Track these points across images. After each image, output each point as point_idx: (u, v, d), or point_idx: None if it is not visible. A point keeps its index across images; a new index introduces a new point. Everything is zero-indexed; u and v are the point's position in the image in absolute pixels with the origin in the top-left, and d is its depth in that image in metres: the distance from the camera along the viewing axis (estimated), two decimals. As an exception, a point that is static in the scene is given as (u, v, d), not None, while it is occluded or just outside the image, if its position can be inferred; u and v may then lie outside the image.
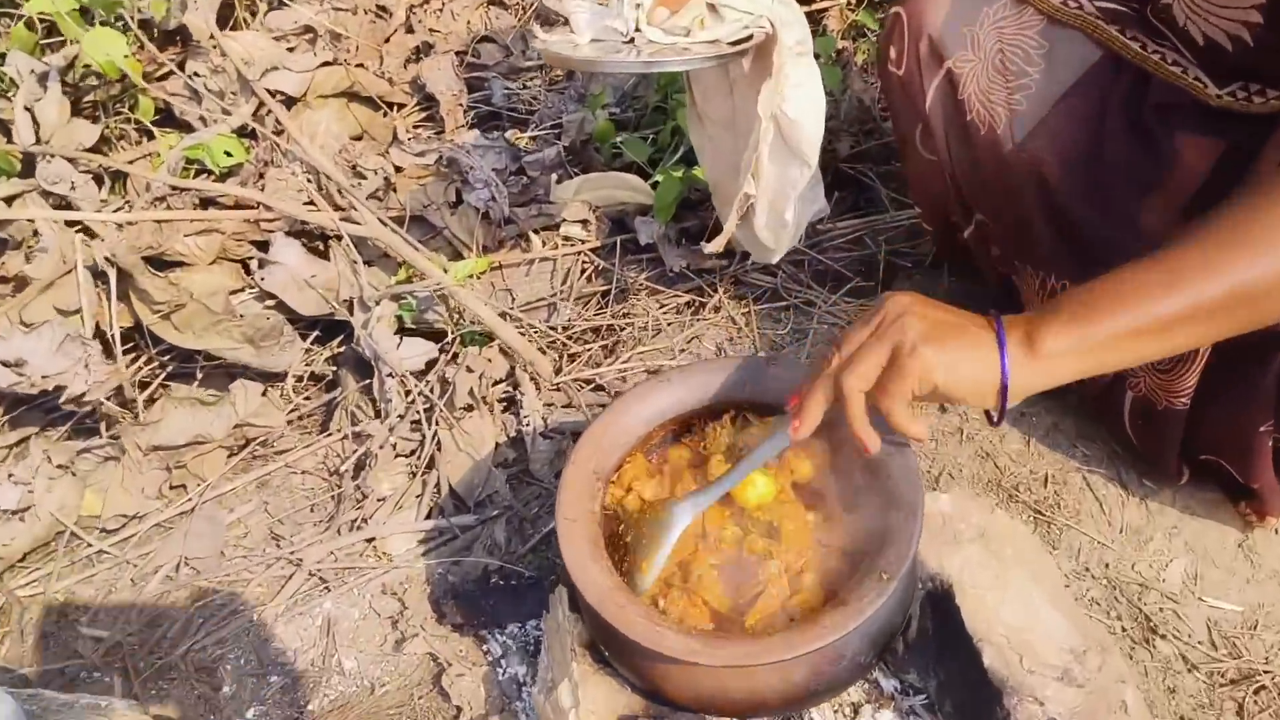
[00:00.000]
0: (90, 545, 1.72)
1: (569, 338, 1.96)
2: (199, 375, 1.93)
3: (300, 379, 1.99)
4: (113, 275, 1.79)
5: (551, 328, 1.96)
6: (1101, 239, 1.38)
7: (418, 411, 1.77)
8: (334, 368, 1.98)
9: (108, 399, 1.80)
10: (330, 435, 1.85)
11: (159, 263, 1.91)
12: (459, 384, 1.73)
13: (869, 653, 1.13)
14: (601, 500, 1.23)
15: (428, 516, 1.69)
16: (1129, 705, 1.17)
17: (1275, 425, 1.30)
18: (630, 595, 1.12)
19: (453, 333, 1.87)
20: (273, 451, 1.85)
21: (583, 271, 2.08)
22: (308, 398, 1.98)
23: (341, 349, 2.01)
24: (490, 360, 1.80)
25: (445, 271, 1.86)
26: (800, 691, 1.11)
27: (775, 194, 1.48)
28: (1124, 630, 1.43)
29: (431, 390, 1.79)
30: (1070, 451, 1.61)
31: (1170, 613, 1.45)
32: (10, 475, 1.76)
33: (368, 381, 1.87)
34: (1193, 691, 1.36)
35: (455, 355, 1.87)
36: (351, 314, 1.90)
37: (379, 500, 1.71)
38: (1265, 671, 1.37)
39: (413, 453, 1.77)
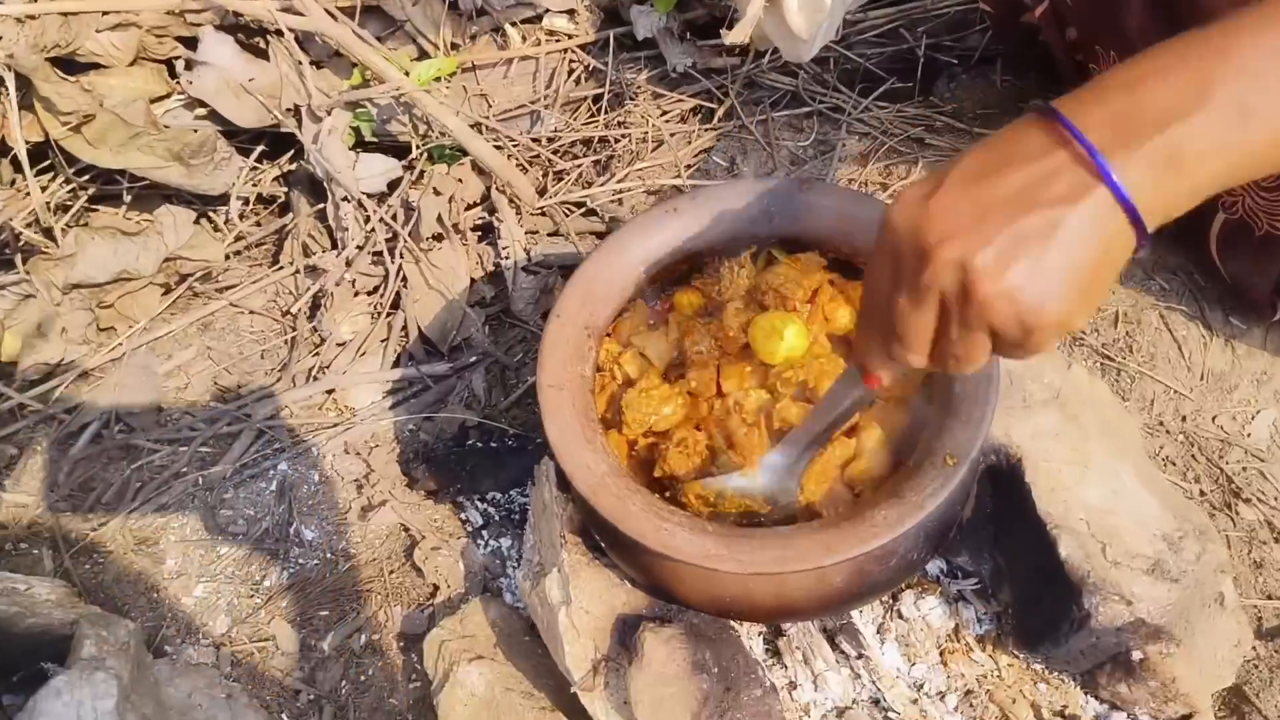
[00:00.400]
0: (9, 398, 1.50)
1: (555, 152, 1.67)
2: (126, 199, 1.66)
3: (247, 202, 1.71)
4: (10, 80, 1.50)
5: (534, 140, 1.67)
6: (1201, 7, 1.09)
7: (379, 242, 1.51)
8: (284, 189, 1.71)
9: (27, 227, 1.56)
10: (281, 269, 1.60)
11: (69, 65, 1.60)
12: (425, 209, 1.47)
13: (924, 549, 0.93)
14: (594, 361, 1.00)
15: (395, 364, 1.46)
16: (1226, 598, 0.98)
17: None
18: (631, 482, 0.90)
19: (419, 148, 1.59)
20: (215, 289, 1.60)
21: (570, 73, 1.76)
22: (257, 224, 1.71)
23: (293, 166, 1.72)
24: (462, 181, 1.53)
25: (407, 74, 1.56)
26: (838, 596, 0.92)
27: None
28: (1202, 494, 1.24)
29: (394, 217, 1.53)
30: (1146, 284, 1.37)
31: (1255, 473, 1.25)
32: (-89, 314, 1.53)
33: (322, 206, 1.60)
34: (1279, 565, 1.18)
35: (421, 175, 1.59)
36: (300, 125, 1.61)
37: (338, 345, 1.48)
38: (1364, 543, 1.18)
39: (375, 290, 1.52)
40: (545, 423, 0.92)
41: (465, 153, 1.58)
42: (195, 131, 1.55)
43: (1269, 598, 1.16)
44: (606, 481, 0.89)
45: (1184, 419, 1.29)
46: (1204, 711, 1.00)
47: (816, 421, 0.87)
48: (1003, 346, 0.59)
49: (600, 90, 1.74)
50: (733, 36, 1.37)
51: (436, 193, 1.49)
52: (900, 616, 1.09)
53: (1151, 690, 0.98)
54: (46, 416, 1.47)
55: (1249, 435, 1.27)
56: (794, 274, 1.01)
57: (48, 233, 1.57)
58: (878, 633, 1.08)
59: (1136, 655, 0.95)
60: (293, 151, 1.72)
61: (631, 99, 1.73)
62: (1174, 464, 1.26)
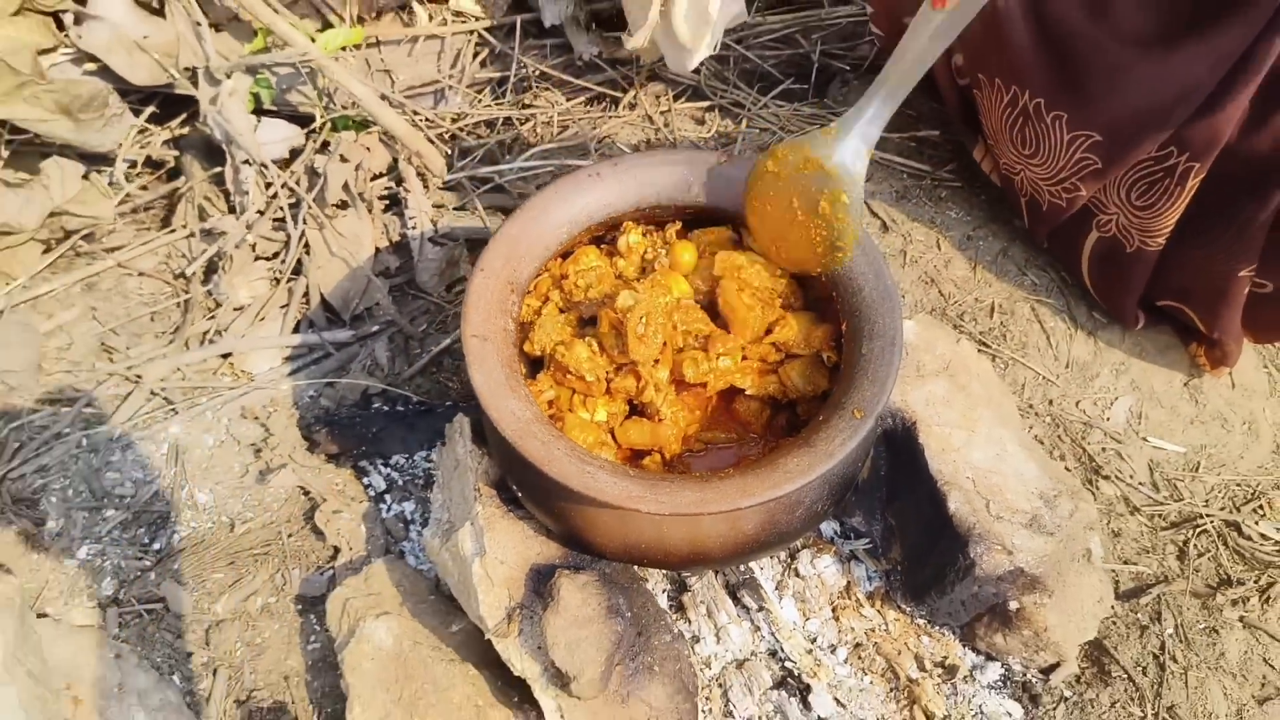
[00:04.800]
0: None
1: (460, 130, 1.69)
2: (4, 154, 1.58)
3: (134, 165, 1.66)
4: (-117, 20, 1.42)
5: (438, 118, 1.68)
6: (1087, 45, 1.20)
7: (281, 207, 1.49)
8: (175, 152, 1.66)
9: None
10: (174, 231, 1.55)
11: (-55, 10, 1.52)
12: (331, 175, 1.46)
13: (827, 501, 0.98)
14: (517, 315, 1.02)
15: (295, 330, 1.44)
16: (1093, 553, 1.08)
17: (1257, 269, 1.18)
18: (554, 430, 0.93)
19: (322, 117, 1.58)
20: (102, 248, 1.55)
21: (476, 55, 1.78)
22: (144, 187, 1.66)
23: (184, 130, 1.68)
24: (369, 150, 1.52)
25: (313, 41, 1.55)
26: (748, 543, 0.96)
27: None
28: (1068, 471, 1.34)
29: (298, 182, 1.51)
30: (1019, 280, 1.48)
31: (1113, 453, 1.36)
32: None
33: (218, 170, 1.57)
34: (1135, 535, 1.29)
35: (325, 144, 1.58)
36: (196, 87, 1.58)
37: (235, 310, 1.45)
38: (1205, 515, 1.30)
39: (275, 255, 1.50)
40: (471, 371, 0.94)
41: (369, 124, 1.57)
42: (86, 85, 1.49)
43: (1125, 563, 1.26)
44: (532, 428, 0.91)
45: (1050, 403, 1.39)
46: (1070, 661, 1.10)
47: (893, 67, 0.94)
48: None
49: (505, 74, 1.76)
50: (633, 42, 1.44)
51: (343, 159, 1.48)
52: (797, 575, 1.15)
53: (1025, 639, 1.06)
54: (-87, 373, 1.39)
55: (1108, 419, 1.39)
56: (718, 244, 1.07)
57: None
58: (776, 589, 1.13)
59: (1013, 605, 1.03)
60: (185, 115, 1.68)
61: (537, 84, 1.76)
62: (1042, 443, 1.36)
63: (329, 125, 1.59)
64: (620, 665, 0.95)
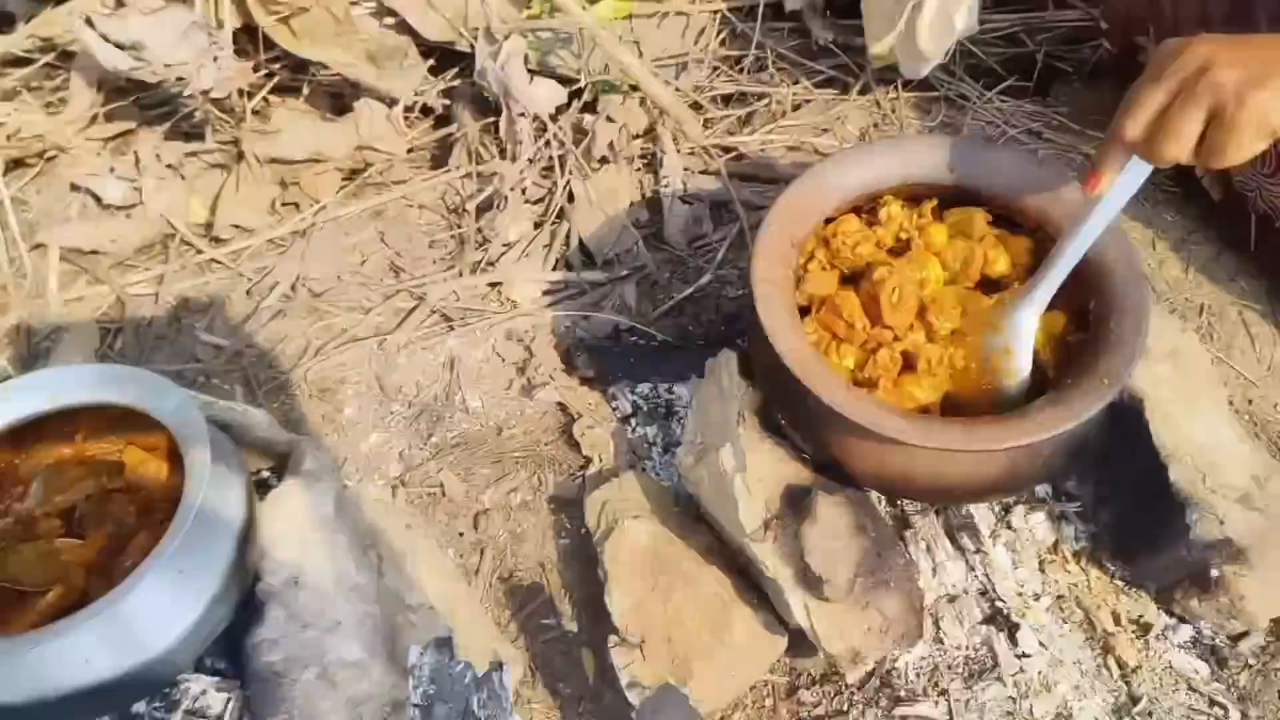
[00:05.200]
0: (201, 252, 1.65)
1: (699, 103, 1.84)
2: (305, 91, 1.81)
3: (410, 109, 1.87)
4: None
5: (678, 90, 1.84)
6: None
7: (551, 157, 1.67)
8: (446, 101, 1.86)
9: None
10: (449, 171, 1.76)
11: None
12: (599, 133, 1.64)
13: (1062, 457, 1.11)
14: (795, 268, 1.17)
15: (554, 268, 1.63)
16: (1295, 536, 1.17)
17: None
18: (828, 365, 1.08)
19: (586, 80, 1.75)
20: (388, 181, 1.76)
21: (718, 33, 1.93)
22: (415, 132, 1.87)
23: (455, 83, 1.88)
24: (632, 112, 1.69)
25: (585, 10, 1.72)
26: (987, 484, 1.10)
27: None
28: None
29: (565, 138, 1.69)
30: (1229, 285, 1.56)
31: (1309, 456, 1.43)
32: (112, 169, 1.68)
33: (491, 121, 1.76)
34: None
35: (587, 104, 1.76)
36: (473, 46, 1.77)
37: (504, 245, 1.64)
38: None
39: (540, 200, 1.69)
40: (760, 311, 1.09)
41: (630, 89, 1.74)
42: (393, 37, 1.70)
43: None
44: (813, 363, 1.06)
45: (1250, 402, 1.48)
46: (1259, 631, 1.20)
47: (1066, 245, 1.06)
48: (1245, 138, 0.83)
49: (744, 53, 1.90)
50: (877, 49, 1.57)
51: (609, 120, 1.65)
52: (1009, 527, 1.27)
53: (1219, 606, 1.16)
54: (236, 274, 1.63)
55: (1306, 423, 1.46)
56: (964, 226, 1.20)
57: (227, 111, 1.72)
58: (990, 536, 1.26)
59: (1215, 572, 1.14)
60: (457, 70, 1.88)
61: (774, 63, 1.90)
62: (1241, 439, 1.44)
63: (592, 88, 1.76)
64: (861, 578, 1.10)
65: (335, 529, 1.23)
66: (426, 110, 1.89)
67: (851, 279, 1.22)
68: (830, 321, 1.16)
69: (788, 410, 1.17)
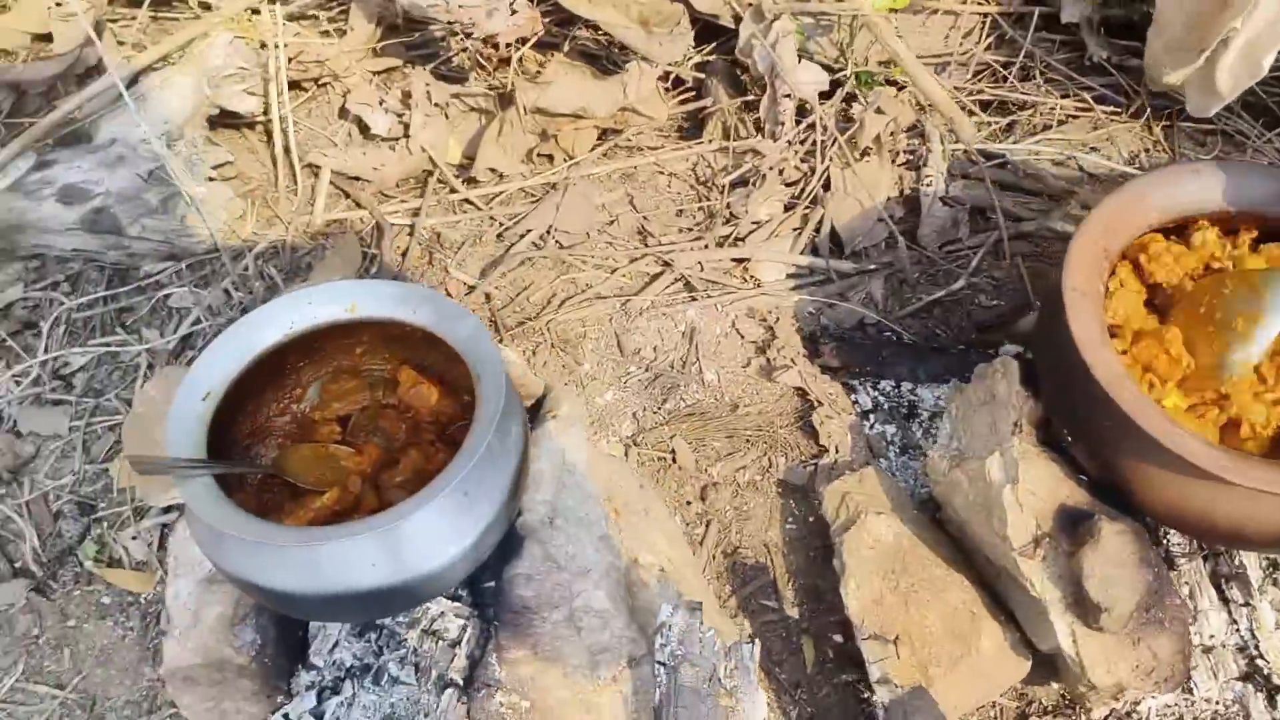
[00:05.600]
0: (454, 192, 1.69)
1: (971, 104, 1.79)
2: (564, 46, 1.83)
3: (662, 79, 1.88)
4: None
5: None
6: None
7: (813, 141, 1.65)
8: (700, 75, 1.86)
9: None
10: (701, 143, 1.75)
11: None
12: (867, 124, 1.61)
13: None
14: (1105, 279, 1.12)
15: (801, 252, 1.60)
16: None
17: None
18: (1136, 386, 1.03)
19: (853, 68, 1.72)
20: (640, 146, 1.77)
21: (984, 36, 1.87)
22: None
23: (710, 57, 1.87)
24: (903, 106, 1.66)
25: (863, -2, 1.69)
26: (1288, 534, 1.03)
27: (1262, 33, 1.32)
28: None
29: (830, 123, 1.66)
30: None
31: None
32: (382, 102, 1.73)
33: (748, 99, 1.75)
34: None
35: (850, 94, 1.73)
36: (737, 23, 1.77)
37: (753, 223, 1.63)
38: None
39: (795, 183, 1.67)
40: (1070, 319, 1.05)
41: (889, 83, 1.71)
42: (669, 4, 1.71)
43: None
44: (1124, 381, 1.01)
45: None
46: None
47: None
48: None
49: (1010, 60, 1.84)
50: (1170, 79, 1.50)
51: (879, 112, 1.62)
52: (1275, 584, 1.20)
53: None
54: (487, 217, 1.66)
55: None
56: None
57: (490, 60, 1.75)
58: (1258, 590, 1.19)
59: None
60: (715, 44, 1.87)
61: (1040, 74, 1.83)
62: None
63: (855, 79, 1.73)
64: (1139, 612, 1.04)
65: (586, 476, 1.24)
66: (677, 81, 1.89)
67: (1152, 303, 1.17)
68: (1150, 356, 1.10)
69: (1076, 425, 1.12)
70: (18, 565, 1.37)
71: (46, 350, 1.52)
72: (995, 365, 1.24)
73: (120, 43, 1.76)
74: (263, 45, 1.69)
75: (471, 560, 1.03)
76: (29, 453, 1.45)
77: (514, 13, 1.52)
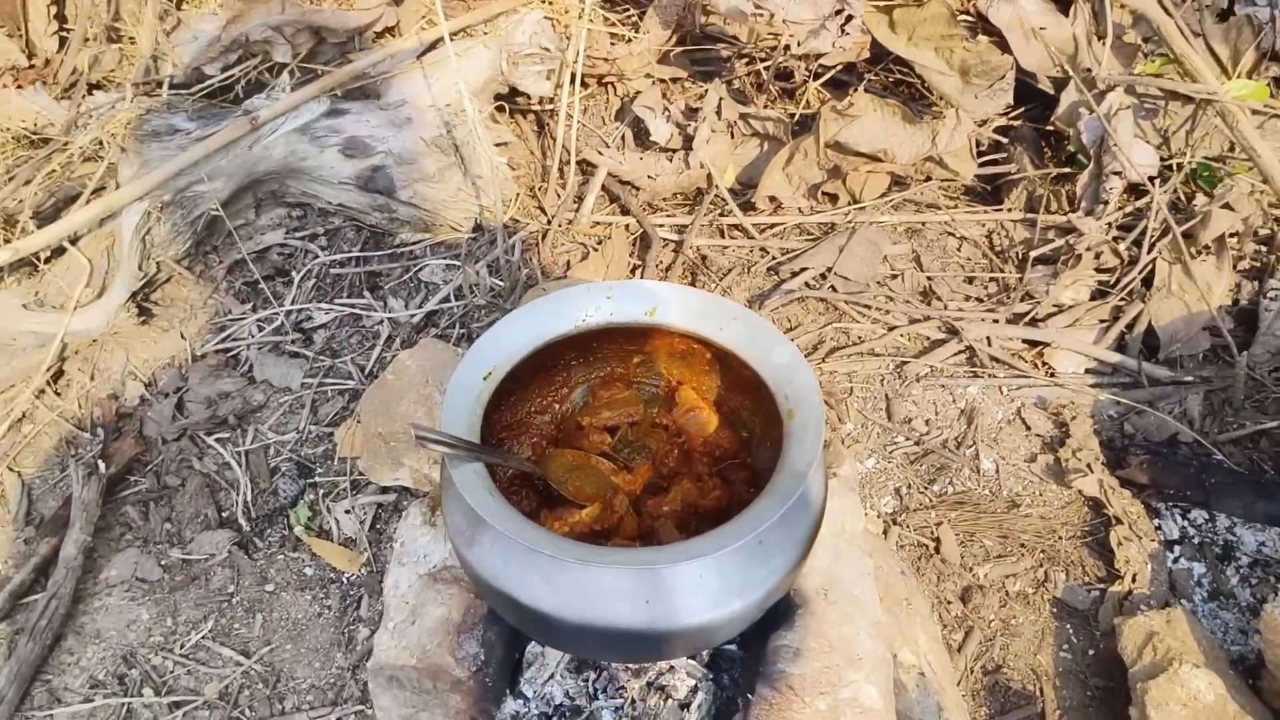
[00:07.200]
0: (726, 215, 1.58)
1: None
2: (862, 84, 1.70)
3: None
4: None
5: None
6: None
7: (1143, 228, 1.47)
8: (998, 138, 1.70)
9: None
10: (1003, 210, 1.59)
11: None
12: (1215, 219, 1.41)
13: None
14: None
15: (1108, 347, 1.42)
16: None
17: None
18: None
19: (1190, 158, 1.54)
20: (929, 203, 1.62)
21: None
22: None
23: (1016, 122, 1.72)
24: (1252, 207, 1.46)
25: (1222, 82, 1.51)
26: None
27: None
28: None
29: (1164, 211, 1.48)
30: None
31: None
32: (666, 110, 1.64)
33: (1065, 170, 1.58)
34: None
35: (1188, 184, 1.54)
36: (1056, 90, 1.61)
37: (1055, 305, 1.46)
38: None
39: (1111, 270, 1.49)
40: None
41: (1227, 178, 1.51)
42: (998, 56, 1.56)
43: None
44: None
45: None
46: None
47: None
48: None
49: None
50: None
51: (1227, 208, 1.43)
52: None
53: None
54: (759, 247, 1.54)
55: None
56: None
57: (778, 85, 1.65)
58: None
59: None
60: (1024, 109, 1.71)
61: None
62: None
63: (1188, 171, 1.54)
64: None
65: (864, 550, 1.09)
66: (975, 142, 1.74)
67: None
68: None
69: None
70: (225, 515, 1.31)
71: (294, 301, 1.48)
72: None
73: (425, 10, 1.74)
74: (566, 30, 1.63)
75: (750, 618, 0.89)
76: (258, 401, 1.40)
77: (845, 34, 1.39)
